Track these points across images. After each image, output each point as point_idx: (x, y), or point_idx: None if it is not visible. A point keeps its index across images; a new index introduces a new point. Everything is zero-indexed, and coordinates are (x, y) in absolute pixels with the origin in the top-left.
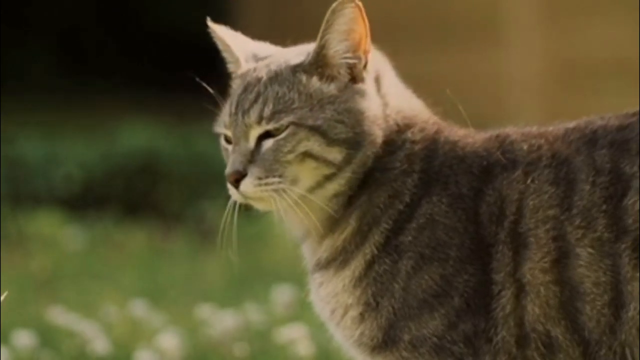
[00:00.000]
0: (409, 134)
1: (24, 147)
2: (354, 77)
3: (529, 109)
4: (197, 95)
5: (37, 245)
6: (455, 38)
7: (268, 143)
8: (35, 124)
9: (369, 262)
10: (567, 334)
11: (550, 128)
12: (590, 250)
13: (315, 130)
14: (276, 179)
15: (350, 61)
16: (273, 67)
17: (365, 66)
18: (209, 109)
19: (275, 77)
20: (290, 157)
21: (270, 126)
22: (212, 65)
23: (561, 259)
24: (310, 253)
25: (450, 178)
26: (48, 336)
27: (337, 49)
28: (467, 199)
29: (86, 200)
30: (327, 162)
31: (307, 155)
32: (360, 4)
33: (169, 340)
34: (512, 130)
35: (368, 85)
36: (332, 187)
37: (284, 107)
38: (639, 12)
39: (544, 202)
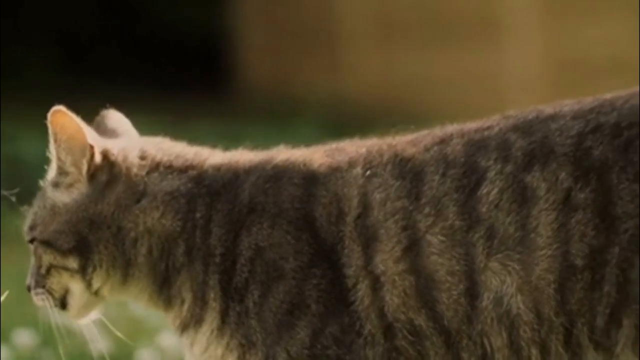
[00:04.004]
0: (193, 211)
1: (23, 145)
2: (86, 180)
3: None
4: (196, 94)
5: None
6: (455, 38)
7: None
8: (35, 123)
9: (221, 313)
10: (429, 322)
11: (397, 137)
12: (441, 237)
13: (46, 244)
14: (40, 290)
15: (74, 169)
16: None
17: (89, 169)
18: (209, 108)
19: (41, 191)
20: (43, 270)
21: (28, 240)
22: (212, 65)
23: (412, 247)
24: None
25: (267, 203)
26: (48, 335)
27: (62, 157)
28: (292, 210)
29: None
30: (72, 270)
31: (55, 267)
32: (62, 108)
33: (170, 339)
34: (346, 143)
35: (97, 186)
36: (98, 287)
37: (34, 223)
38: (638, 12)
39: (390, 194)
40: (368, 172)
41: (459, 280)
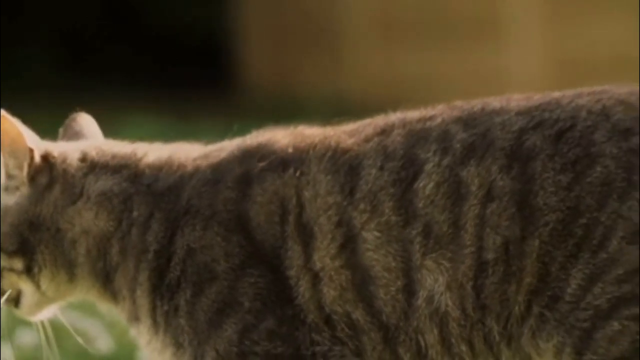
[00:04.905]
0: (130, 210)
1: None
2: (27, 183)
3: None
4: (199, 93)
5: None
6: (457, 37)
7: None
8: (36, 122)
9: (151, 311)
10: (367, 317)
11: (336, 128)
12: (376, 233)
13: None
14: None
15: (18, 172)
16: None
17: (30, 171)
18: (211, 107)
19: None
20: None
21: None
22: (214, 64)
23: (347, 244)
24: None
25: (201, 206)
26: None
27: (7, 161)
28: (224, 212)
29: None
30: (18, 271)
31: (4, 269)
32: (3, 113)
33: None
34: (280, 134)
35: (38, 188)
36: (45, 286)
37: None
38: (639, 11)
39: (320, 190)
40: (297, 171)
41: (397, 277)
